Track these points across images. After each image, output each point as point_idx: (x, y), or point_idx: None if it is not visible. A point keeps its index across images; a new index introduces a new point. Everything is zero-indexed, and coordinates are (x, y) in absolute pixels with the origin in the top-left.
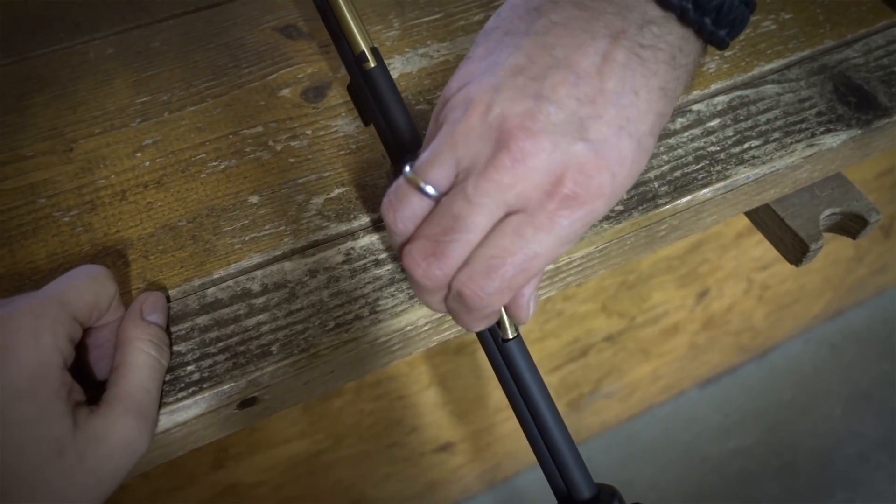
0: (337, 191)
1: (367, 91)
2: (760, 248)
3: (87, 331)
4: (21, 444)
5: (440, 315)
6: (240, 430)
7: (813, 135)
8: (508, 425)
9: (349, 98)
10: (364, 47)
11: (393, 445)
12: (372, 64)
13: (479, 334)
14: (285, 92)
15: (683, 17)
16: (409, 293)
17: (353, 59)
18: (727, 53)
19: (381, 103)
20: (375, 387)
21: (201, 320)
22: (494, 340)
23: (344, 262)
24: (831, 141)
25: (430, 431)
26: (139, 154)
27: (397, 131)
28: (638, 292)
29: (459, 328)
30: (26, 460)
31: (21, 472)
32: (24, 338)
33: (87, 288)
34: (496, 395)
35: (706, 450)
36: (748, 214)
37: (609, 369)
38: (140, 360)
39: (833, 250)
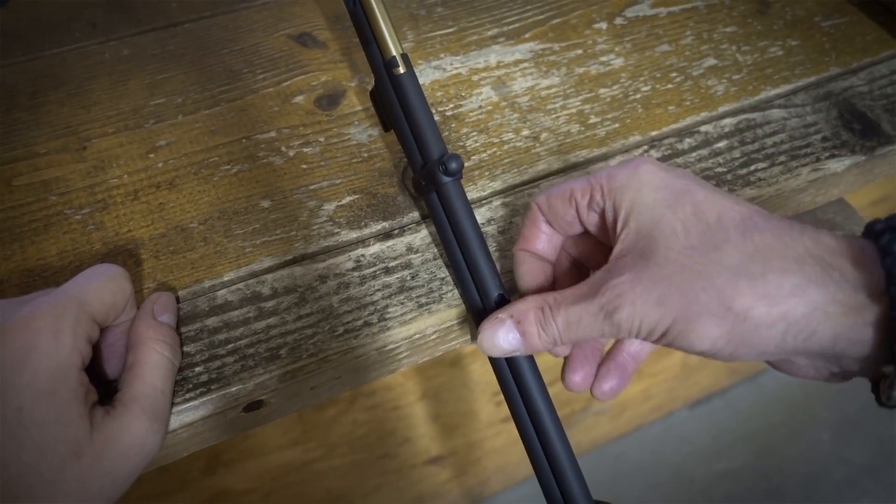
0: (348, 198)
1: (395, 97)
2: None
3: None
4: (40, 445)
5: (448, 324)
6: (233, 436)
7: (818, 159)
8: (499, 440)
9: (363, 107)
10: (395, 53)
11: (384, 457)
12: (402, 70)
13: None
14: (299, 99)
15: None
16: (417, 301)
17: (382, 64)
18: (735, 77)
19: (408, 109)
20: (370, 396)
21: (211, 322)
22: None
23: (354, 269)
24: (835, 166)
25: (421, 443)
26: (152, 155)
27: (423, 138)
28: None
29: (466, 338)
30: (45, 461)
31: (40, 472)
32: (46, 339)
33: (106, 288)
34: (488, 409)
35: (694, 471)
36: None
37: None
38: (154, 361)
39: None
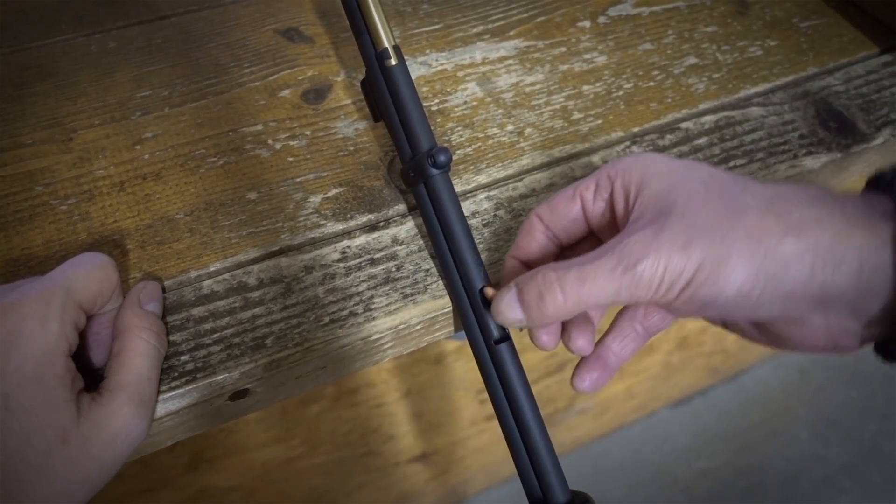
0: (334, 190)
1: (385, 88)
2: None
3: None
4: (27, 431)
5: (432, 315)
6: (216, 433)
7: (795, 156)
8: (482, 438)
9: (349, 101)
10: (387, 44)
11: (368, 454)
12: (394, 61)
13: (471, 336)
14: (285, 93)
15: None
16: (402, 292)
17: (374, 55)
18: (715, 75)
19: (398, 101)
20: (354, 394)
21: (197, 311)
22: (486, 341)
23: (339, 260)
24: (812, 163)
25: (405, 441)
26: (139, 147)
27: (413, 129)
28: (616, 309)
29: (450, 329)
30: (32, 446)
31: (26, 458)
32: (33, 324)
33: (93, 276)
34: (472, 407)
35: (675, 470)
36: None
37: None
38: (140, 349)
39: None
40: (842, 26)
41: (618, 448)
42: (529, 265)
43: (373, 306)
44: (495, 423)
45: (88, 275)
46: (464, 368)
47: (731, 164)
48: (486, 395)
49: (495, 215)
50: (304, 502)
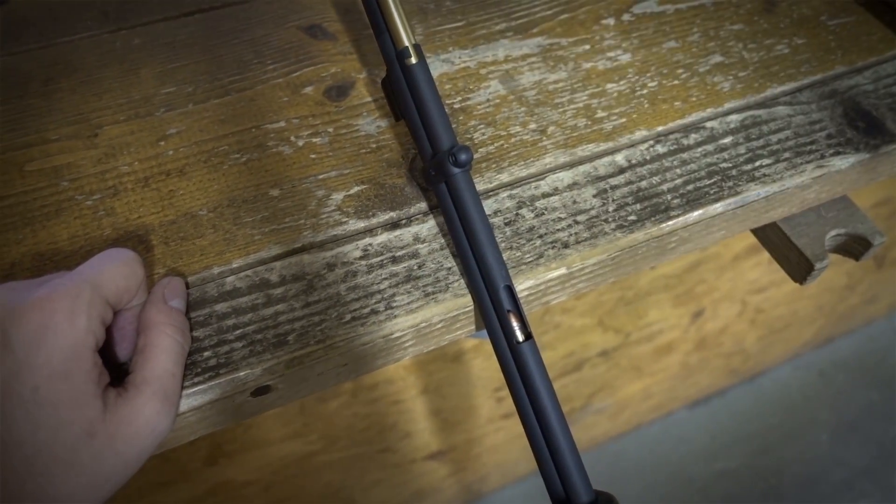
0: (356, 188)
1: (406, 87)
2: (757, 271)
3: None
4: (55, 425)
5: (454, 313)
6: (235, 427)
7: (822, 156)
8: (499, 436)
9: (371, 98)
10: (407, 43)
11: (385, 450)
12: (414, 60)
13: (493, 335)
14: (308, 90)
15: None
16: (424, 291)
17: (394, 54)
18: (741, 74)
19: (419, 100)
20: (372, 390)
21: (219, 307)
22: (508, 342)
23: (361, 258)
24: (840, 163)
25: (421, 438)
26: (163, 143)
27: (434, 128)
28: (635, 309)
29: (471, 328)
30: (60, 440)
31: (54, 451)
32: (61, 319)
33: (120, 272)
34: (489, 404)
35: (692, 471)
36: (755, 232)
37: (601, 385)
38: (165, 344)
39: (826, 278)
40: (871, 24)
41: (634, 448)
42: None
43: (394, 304)
44: (512, 422)
45: (115, 270)
46: (481, 366)
47: (757, 163)
48: (502, 392)
49: (517, 214)
50: (320, 498)
